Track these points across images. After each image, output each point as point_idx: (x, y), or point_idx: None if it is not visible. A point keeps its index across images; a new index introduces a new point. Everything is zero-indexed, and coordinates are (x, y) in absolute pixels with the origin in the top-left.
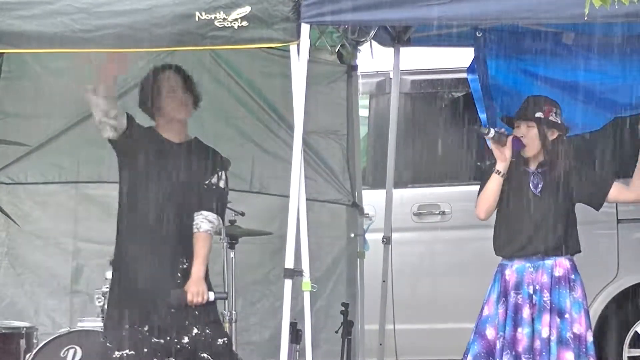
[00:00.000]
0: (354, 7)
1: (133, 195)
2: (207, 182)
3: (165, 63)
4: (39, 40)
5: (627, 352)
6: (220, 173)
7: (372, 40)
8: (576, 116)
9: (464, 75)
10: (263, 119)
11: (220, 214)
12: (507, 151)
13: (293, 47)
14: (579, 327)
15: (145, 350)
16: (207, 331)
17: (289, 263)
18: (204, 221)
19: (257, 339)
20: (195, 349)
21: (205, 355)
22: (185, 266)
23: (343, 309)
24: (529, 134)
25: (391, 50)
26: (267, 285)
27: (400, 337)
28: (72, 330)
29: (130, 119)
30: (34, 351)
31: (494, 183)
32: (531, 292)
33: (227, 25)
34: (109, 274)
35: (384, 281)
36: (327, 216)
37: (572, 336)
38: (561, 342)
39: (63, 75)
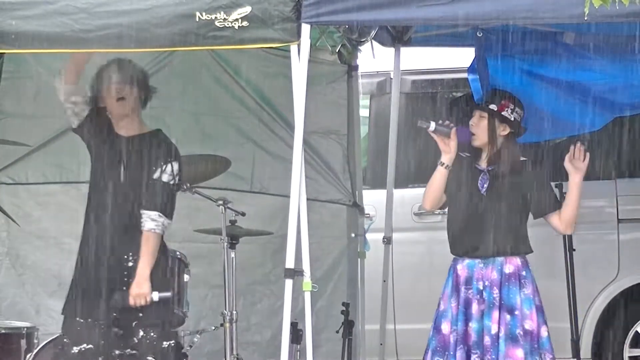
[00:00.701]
0: (354, 7)
1: (91, 190)
2: (151, 177)
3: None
4: (39, 41)
5: (627, 352)
6: (164, 167)
7: (373, 40)
8: (577, 116)
9: (464, 75)
10: (263, 119)
11: (164, 210)
12: (452, 143)
13: (293, 47)
14: (531, 324)
15: (104, 342)
16: (152, 334)
17: (290, 263)
18: (147, 220)
19: (258, 339)
20: (142, 352)
21: (151, 358)
22: (130, 264)
23: (344, 308)
24: (480, 123)
25: (392, 50)
26: (268, 285)
27: (401, 337)
28: None
29: (94, 109)
30: (35, 351)
31: (439, 175)
32: (481, 287)
33: (227, 26)
34: None
35: (384, 281)
36: (328, 216)
37: (522, 333)
38: (511, 338)
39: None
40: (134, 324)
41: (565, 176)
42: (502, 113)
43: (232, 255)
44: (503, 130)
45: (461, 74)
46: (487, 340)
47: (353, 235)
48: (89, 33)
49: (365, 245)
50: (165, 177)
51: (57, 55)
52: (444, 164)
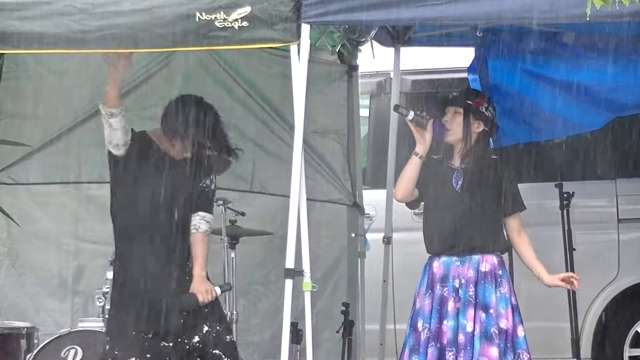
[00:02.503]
0: (354, 7)
1: (133, 201)
2: (204, 184)
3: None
4: (39, 41)
5: (627, 352)
6: (212, 175)
7: (373, 40)
8: (577, 116)
9: (464, 75)
10: (264, 119)
11: (212, 213)
12: (428, 135)
13: (293, 48)
14: (506, 323)
15: (149, 356)
16: (218, 327)
17: (290, 263)
18: (202, 222)
19: (258, 339)
20: (206, 346)
21: (217, 351)
22: (190, 269)
23: (344, 308)
24: (454, 120)
25: (391, 50)
26: (268, 285)
27: (401, 337)
28: (72, 330)
29: (133, 134)
30: (35, 351)
31: (412, 165)
32: (457, 285)
33: (227, 26)
34: (109, 275)
35: (384, 281)
36: (328, 216)
37: (496, 331)
38: (485, 337)
39: (64, 76)
40: (198, 321)
41: (565, 176)
42: (479, 108)
43: (232, 255)
44: (477, 127)
45: (461, 73)
46: (461, 338)
47: (353, 235)
48: (89, 34)
49: (366, 245)
50: (213, 185)
51: (58, 55)
52: (418, 154)
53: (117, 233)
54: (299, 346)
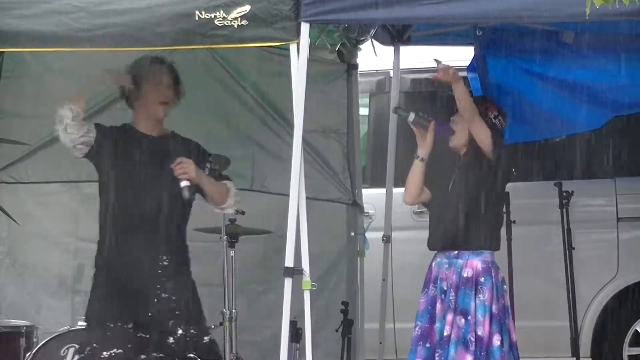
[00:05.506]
0: (353, 5)
1: (118, 194)
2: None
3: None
4: (39, 40)
5: (627, 351)
6: (209, 165)
7: (372, 39)
8: (576, 115)
9: (464, 73)
10: (263, 117)
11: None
12: (429, 136)
13: (293, 46)
14: (482, 330)
15: (130, 346)
16: (192, 331)
17: (289, 262)
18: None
19: (258, 337)
20: (182, 349)
21: (192, 355)
22: (165, 263)
23: (343, 307)
24: (462, 123)
25: (391, 49)
26: (267, 284)
27: (400, 336)
28: (71, 329)
29: (99, 129)
30: (34, 350)
31: (416, 169)
32: (445, 288)
33: (227, 24)
34: None
35: (384, 280)
36: (328, 215)
37: (473, 339)
38: (462, 343)
39: (64, 75)
40: (170, 322)
41: (565, 175)
42: (488, 115)
43: (232, 254)
44: None
45: (461, 72)
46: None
47: (352, 234)
48: (88, 32)
49: (365, 244)
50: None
51: (58, 54)
52: (419, 157)
53: (100, 224)
54: (298, 345)
